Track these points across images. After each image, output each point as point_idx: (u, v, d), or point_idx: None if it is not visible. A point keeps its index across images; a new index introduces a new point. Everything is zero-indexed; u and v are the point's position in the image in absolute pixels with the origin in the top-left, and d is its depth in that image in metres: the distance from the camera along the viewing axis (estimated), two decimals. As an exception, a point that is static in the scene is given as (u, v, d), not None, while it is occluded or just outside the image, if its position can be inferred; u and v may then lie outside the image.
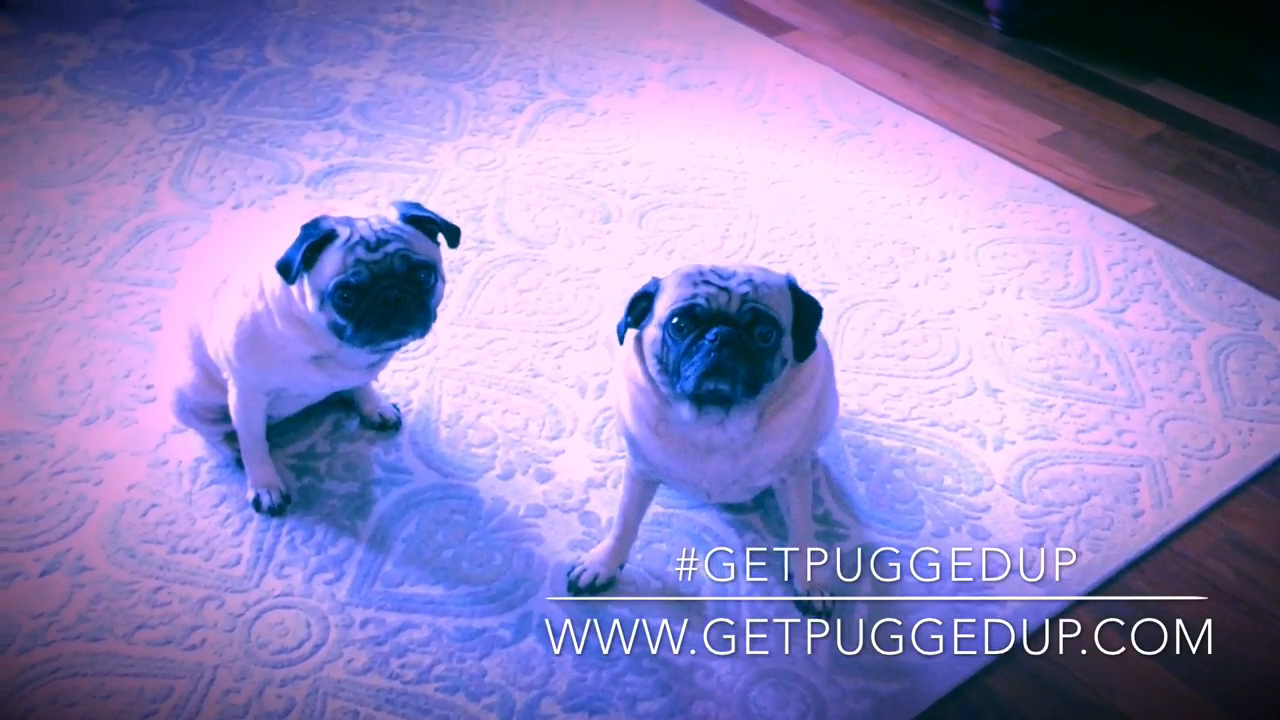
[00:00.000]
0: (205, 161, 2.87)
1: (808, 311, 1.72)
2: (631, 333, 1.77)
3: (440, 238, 1.90)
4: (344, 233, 1.80)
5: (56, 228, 2.64)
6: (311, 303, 1.82)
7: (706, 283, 1.66)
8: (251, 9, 3.52)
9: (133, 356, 2.33)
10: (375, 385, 2.23)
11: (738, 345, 1.63)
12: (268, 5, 3.54)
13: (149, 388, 2.27)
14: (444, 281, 1.89)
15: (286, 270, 1.80)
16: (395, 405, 2.21)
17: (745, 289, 1.66)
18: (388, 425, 2.18)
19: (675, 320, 1.66)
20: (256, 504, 2.05)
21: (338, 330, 1.82)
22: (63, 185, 2.77)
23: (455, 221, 2.00)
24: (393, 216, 1.84)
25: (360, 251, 1.79)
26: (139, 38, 3.34)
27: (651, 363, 1.71)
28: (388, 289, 1.79)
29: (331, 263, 1.79)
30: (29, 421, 2.18)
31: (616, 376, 1.88)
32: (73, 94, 3.09)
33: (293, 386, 1.99)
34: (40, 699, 1.76)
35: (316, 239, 1.79)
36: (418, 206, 1.88)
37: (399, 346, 1.91)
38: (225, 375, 1.99)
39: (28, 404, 2.22)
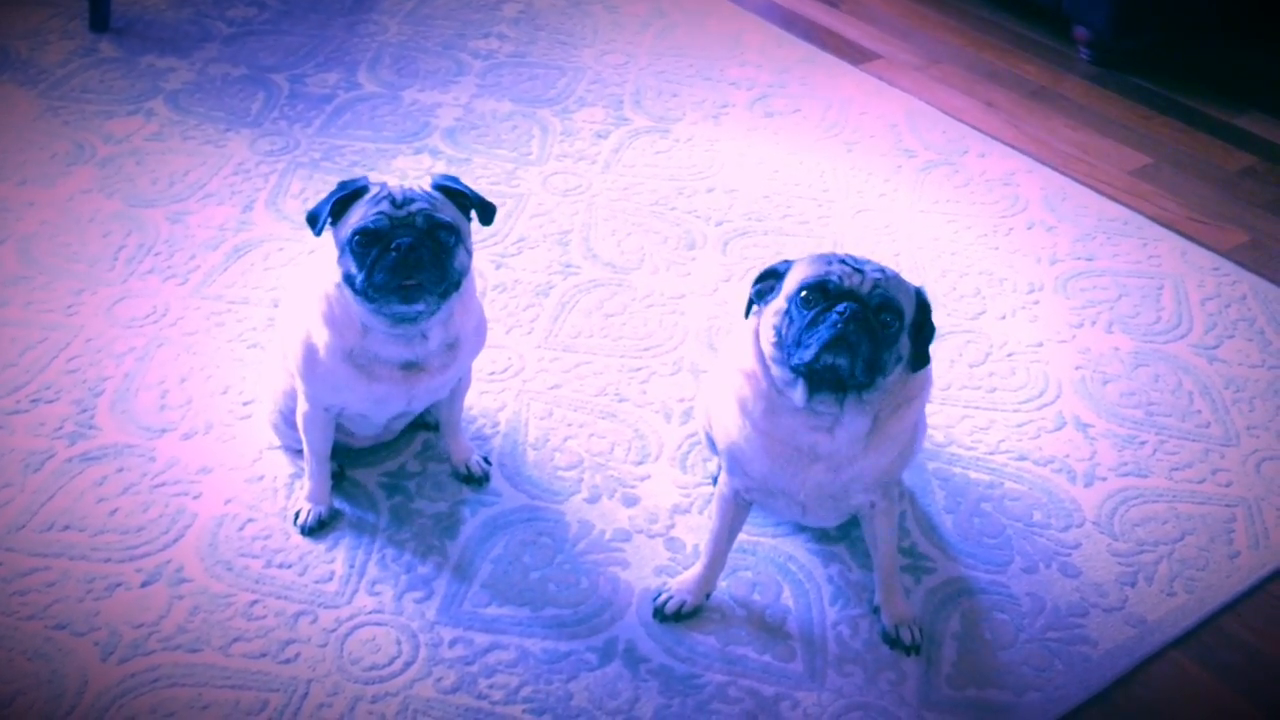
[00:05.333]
0: (300, 183, 2.94)
1: (927, 323, 1.73)
2: (752, 319, 1.79)
3: (473, 214, 1.93)
4: (375, 189, 1.86)
5: (157, 246, 2.72)
6: (335, 259, 1.87)
7: (842, 263, 1.70)
8: (344, 34, 3.60)
9: (230, 373, 2.39)
10: (463, 412, 2.25)
11: (865, 322, 1.65)
12: (360, 31, 3.62)
13: (246, 404, 2.32)
14: (469, 253, 1.90)
15: (314, 220, 1.87)
16: (485, 458, 2.22)
17: (877, 275, 1.68)
18: (473, 479, 2.19)
19: (804, 293, 1.68)
20: (295, 516, 2.09)
21: (351, 281, 1.84)
22: (163, 205, 2.85)
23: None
24: (426, 184, 1.90)
25: (385, 205, 1.84)
26: (236, 62, 3.43)
27: (769, 337, 1.72)
28: (403, 237, 1.81)
29: (356, 214, 1.84)
30: (132, 435, 2.25)
31: (716, 382, 1.89)
32: (173, 116, 3.18)
33: (347, 404, 2.00)
34: (140, 708, 1.81)
35: (347, 193, 1.86)
36: (454, 179, 1.93)
37: (412, 310, 1.85)
38: (298, 391, 2.04)
39: (130, 418, 2.28)
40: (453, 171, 2.99)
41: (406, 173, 2.98)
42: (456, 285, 1.88)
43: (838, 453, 1.76)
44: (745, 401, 1.78)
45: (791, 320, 1.69)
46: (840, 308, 1.65)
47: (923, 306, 1.73)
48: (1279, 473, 2.25)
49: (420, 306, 1.84)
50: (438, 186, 1.90)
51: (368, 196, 1.85)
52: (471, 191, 1.92)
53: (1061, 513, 2.17)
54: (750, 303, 1.80)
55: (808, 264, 1.72)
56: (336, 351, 1.92)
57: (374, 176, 1.98)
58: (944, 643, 1.95)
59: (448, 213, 1.87)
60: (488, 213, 1.94)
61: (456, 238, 1.87)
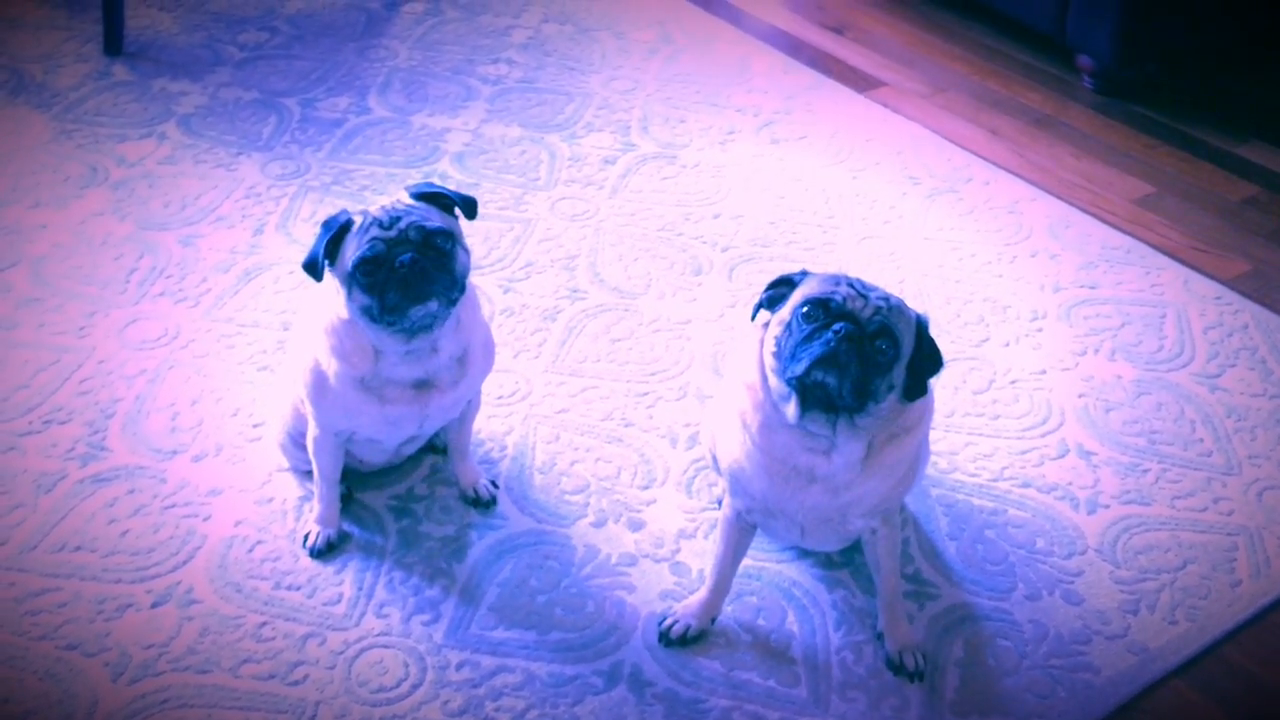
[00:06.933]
0: (310, 207, 2.97)
1: (927, 355, 1.75)
2: (758, 331, 1.82)
3: (458, 212, 1.95)
4: (359, 220, 1.87)
5: (169, 269, 2.75)
6: (342, 299, 1.88)
7: (850, 285, 1.73)
8: (355, 59, 3.64)
9: (240, 396, 2.41)
10: (471, 436, 2.26)
11: (858, 345, 1.67)
12: (370, 56, 3.66)
13: (255, 426, 2.34)
14: (466, 251, 1.92)
15: (313, 267, 1.88)
16: (493, 482, 2.23)
17: (880, 303, 1.71)
18: (480, 503, 2.20)
19: (807, 308, 1.71)
20: (305, 538, 2.11)
21: (367, 312, 1.86)
22: (175, 228, 2.88)
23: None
24: (405, 198, 1.92)
25: (375, 230, 1.85)
26: (248, 86, 3.47)
27: (770, 348, 1.75)
28: (402, 254, 1.83)
29: (351, 248, 1.86)
30: (142, 456, 2.27)
31: (720, 400, 1.91)
32: (185, 139, 3.21)
33: (359, 428, 2.02)
34: (150, 728, 1.82)
35: (335, 231, 1.87)
36: (429, 184, 1.96)
37: (427, 313, 1.86)
38: (308, 416, 2.06)
39: (141, 439, 2.31)
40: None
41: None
42: (463, 287, 1.91)
43: (834, 476, 1.78)
44: (745, 414, 1.81)
45: (791, 333, 1.72)
46: (836, 326, 1.68)
47: (922, 339, 1.75)
48: (1281, 501, 2.27)
49: (433, 305, 1.86)
50: (417, 196, 1.92)
51: (355, 229, 1.87)
52: (450, 191, 1.95)
53: (1064, 540, 2.18)
54: (759, 306, 1.82)
55: (817, 281, 1.76)
56: (347, 379, 1.94)
57: (358, 205, 1.99)
58: (947, 669, 1.96)
59: (436, 218, 1.89)
60: (470, 207, 1.96)
61: (452, 240, 1.89)
